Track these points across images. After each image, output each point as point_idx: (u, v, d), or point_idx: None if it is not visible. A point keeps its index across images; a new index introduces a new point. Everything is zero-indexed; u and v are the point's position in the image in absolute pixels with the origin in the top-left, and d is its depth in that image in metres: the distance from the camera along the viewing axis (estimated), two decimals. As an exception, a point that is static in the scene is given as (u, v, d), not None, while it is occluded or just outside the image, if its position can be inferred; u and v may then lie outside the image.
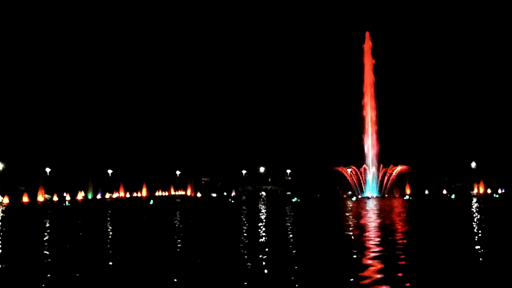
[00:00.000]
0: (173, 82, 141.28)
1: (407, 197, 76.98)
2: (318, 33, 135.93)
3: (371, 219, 29.97)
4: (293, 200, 67.48)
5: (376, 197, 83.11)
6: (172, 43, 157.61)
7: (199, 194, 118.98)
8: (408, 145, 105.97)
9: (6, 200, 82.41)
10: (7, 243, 19.65)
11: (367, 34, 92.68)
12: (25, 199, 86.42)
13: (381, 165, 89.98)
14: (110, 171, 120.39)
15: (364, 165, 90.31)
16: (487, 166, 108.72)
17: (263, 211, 42.00)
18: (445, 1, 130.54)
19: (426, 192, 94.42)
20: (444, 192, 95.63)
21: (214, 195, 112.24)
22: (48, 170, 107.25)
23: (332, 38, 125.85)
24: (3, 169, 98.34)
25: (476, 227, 23.54)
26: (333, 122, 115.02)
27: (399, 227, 24.61)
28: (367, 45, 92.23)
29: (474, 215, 32.68)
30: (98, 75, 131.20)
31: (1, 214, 42.72)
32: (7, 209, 55.49)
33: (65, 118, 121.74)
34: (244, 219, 32.15)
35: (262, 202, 63.45)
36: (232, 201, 69.37)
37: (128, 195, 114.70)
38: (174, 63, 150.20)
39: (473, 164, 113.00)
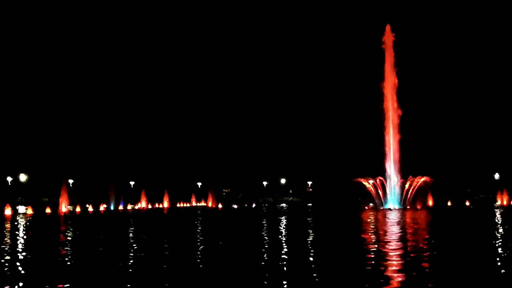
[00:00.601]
0: (196, 94, 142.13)
1: (433, 208, 76.06)
2: (337, 37, 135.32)
3: (393, 231, 29.69)
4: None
5: (398, 208, 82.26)
6: (193, 51, 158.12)
7: (220, 205, 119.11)
8: (430, 156, 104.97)
9: (29, 211, 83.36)
10: (30, 252, 19.88)
11: (388, 27, 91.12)
12: (48, 210, 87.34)
13: (403, 176, 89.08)
14: (132, 183, 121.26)
15: (386, 176, 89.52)
16: (510, 177, 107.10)
17: (284, 222, 41.87)
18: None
19: (449, 203, 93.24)
20: (467, 203, 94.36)
21: (235, 206, 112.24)
22: (70, 181, 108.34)
23: (352, 43, 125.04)
24: (27, 180, 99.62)
25: (500, 240, 23.18)
26: (354, 132, 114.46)
27: (422, 239, 24.35)
28: (388, 39, 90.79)
29: (498, 227, 32.18)
30: (120, 87, 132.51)
31: (25, 225, 43.24)
32: (31, 220, 56.11)
33: (88, 130, 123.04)
34: (264, 230, 32.09)
35: (282, 214, 63.25)
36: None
37: (149, 206, 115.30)
38: (197, 77, 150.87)
39: (497, 176, 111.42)
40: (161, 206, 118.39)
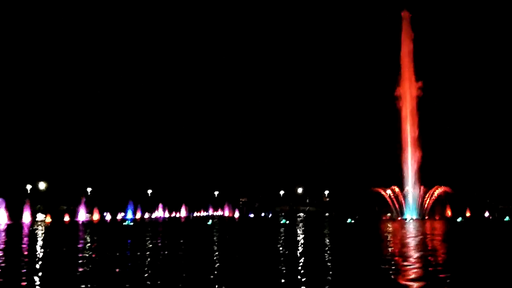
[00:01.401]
0: (214, 105, 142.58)
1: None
2: (355, 44, 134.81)
3: (411, 242, 29.45)
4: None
5: (416, 219, 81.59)
6: (206, 57, 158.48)
7: (236, 215, 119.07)
8: (449, 166, 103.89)
9: (48, 219, 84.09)
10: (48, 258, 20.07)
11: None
12: (67, 218, 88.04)
13: (422, 186, 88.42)
14: (149, 191, 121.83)
15: (403, 186, 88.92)
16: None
17: (301, 232, 41.73)
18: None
19: (468, 214, 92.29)
20: (487, 214, 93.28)
21: (251, 215, 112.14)
22: (89, 189, 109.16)
23: (369, 50, 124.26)
24: (46, 188, 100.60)
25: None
26: (372, 142, 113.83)
27: (440, 250, 24.12)
28: (406, 47, 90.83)
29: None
30: (140, 97, 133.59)
31: (43, 232, 43.62)
32: (49, 227, 56.60)
33: (107, 139, 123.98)
34: (281, 240, 32.01)
35: (300, 223, 63.03)
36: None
37: (167, 215, 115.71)
38: (216, 89, 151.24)
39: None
40: (178, 215, 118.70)
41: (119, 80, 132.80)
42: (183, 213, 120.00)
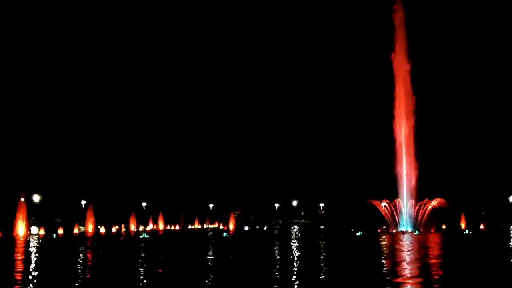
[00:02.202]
0: (210, 116, 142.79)
1: (465, 230, 75.21)
2: (347, 51, 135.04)
3: (406, 256, 29.42)
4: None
5: (411, 231, 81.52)
6: (204, 65, 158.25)
7: (231, 227, 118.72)
8: (444, 179, 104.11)
9: (42, 231, 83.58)
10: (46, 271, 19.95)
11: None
12: (60, 231, 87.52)
13: (417, 199, 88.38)
14: (144, 204, 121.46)
15: (399, 198, 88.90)
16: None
17: (296, 245, 41.63)
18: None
19: (463, 226, 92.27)
20: (482, 227, 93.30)
21: (246, 228, 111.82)
22: (83, 202, 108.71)
23: (363, 60, 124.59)
24: (40, 201, 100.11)
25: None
26: (367, 154, 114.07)
27: (435, 263, 24.10)
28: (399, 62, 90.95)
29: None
30: (132, 110, 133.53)
31: (36, 246, 43.36)
32: (43, 241, 56.25)
33: (102, 152, 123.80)
34: (277, 253, 31.92)
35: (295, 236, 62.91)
36: (276, 232, 68.31)
37: (160, 228, 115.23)
38: (211, 100, 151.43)
39: (511, 199, 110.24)
40: (172, 228, 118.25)
41: (111, 92, 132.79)
42: (179, 226, 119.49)
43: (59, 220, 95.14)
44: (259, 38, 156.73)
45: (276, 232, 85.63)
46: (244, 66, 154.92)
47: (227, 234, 67.72)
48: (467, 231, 75.57)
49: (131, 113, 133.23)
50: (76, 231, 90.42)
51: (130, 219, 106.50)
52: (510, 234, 65.45)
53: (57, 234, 75.59)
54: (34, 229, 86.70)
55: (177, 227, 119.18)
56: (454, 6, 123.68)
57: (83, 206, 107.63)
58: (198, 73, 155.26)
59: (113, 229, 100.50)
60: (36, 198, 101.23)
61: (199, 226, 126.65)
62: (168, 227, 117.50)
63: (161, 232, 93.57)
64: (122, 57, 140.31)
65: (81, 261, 27.28)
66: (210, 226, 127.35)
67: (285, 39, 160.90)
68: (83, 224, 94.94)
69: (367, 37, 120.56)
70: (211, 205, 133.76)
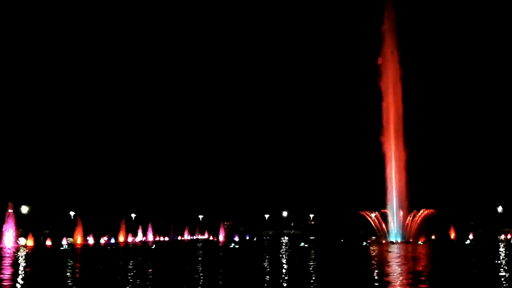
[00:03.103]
0: (199, 125, 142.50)
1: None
2: (335, 56, 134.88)
3: (395, 266, 29.50)
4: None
5: (401, 242, 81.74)
6: (191, 72, 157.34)
7: (221, 238, 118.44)
8: (433, 189, 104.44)
9: (30, 243, 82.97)
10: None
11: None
12: (49, 242, 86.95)
13: (406, 210, 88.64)
14: (133, 215, 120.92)
15: (388, 209, 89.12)
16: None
17: (286, 256, 41.61)
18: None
19: (452, 236, 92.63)
20: (471, 237, 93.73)
21: (236, 239, 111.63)
22: (72, 213, 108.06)
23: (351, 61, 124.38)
24: (28, 212, 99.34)
25: (501, 273, 23.03)
26: (356, 165, 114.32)
27: (423, 273, 24.19)
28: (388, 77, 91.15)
29: (500, 261, 31.97)
30: (123, 118, 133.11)
31: (24, 257, 43.01)
32: (31, 252, 55.81)
33: (91, 162, 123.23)
34: (266, 264, 31.90)
35: (285, 247, 62.85)
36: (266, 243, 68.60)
37: (147, 239, 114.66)
38: (198, 107, 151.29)
39: (500, 209, 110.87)
40: (161, 239, 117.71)
41: (100, 102, 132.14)
42: (167, 237, 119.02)
43: (47, 231, 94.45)
44: (244, 43, 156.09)
45: (265, 243, 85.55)
46: (233, 76, 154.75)
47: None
48: (469, 241, 75.77)
49: (121, 125, 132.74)
50: (64, 242, 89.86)
51: (120, 230, 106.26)
52: (498, 244, 65.85)
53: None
54: (22, 240, 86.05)
55: (166, 238, 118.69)
56: (442, 7, 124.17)
57: (72, 218, 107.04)
58: (182, 83, 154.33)
59: (102, 240, 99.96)
60: (24, 209, 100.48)
61: (189, 237, 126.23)
62: (158, 238, 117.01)
63: (143, 243, 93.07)
64: (108, 68, 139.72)
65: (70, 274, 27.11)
66: (200, 237, 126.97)
67: (268, 48, 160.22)
68: (71, 235, 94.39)
69: (354, 46, 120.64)
70: (200, 216, 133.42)
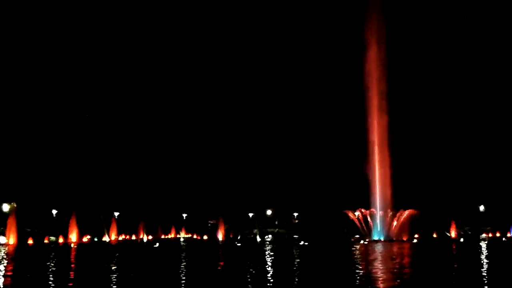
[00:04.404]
0: (181, 125, 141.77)
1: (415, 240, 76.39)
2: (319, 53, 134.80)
3: (377, 264, 29.60)
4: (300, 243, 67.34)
5: (384, 240, 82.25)
6: (171, 75, 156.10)
7: (205, 237, 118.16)
8: (417, 189, 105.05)
9: (12, 241, 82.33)
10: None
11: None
12: (30, 241, 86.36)
13: (390, 209, 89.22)
14: (116, 214, 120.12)
15: (372, 209, 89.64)
16: (496, 209, 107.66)
17: (270, 254, 41.60)
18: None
19: (435, 235, 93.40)
20: (453, 235, 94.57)
21: (220, 238, 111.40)
22: (54, 212, 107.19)
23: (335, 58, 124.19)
24: (10, 210, 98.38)
25: (482, 271, 23.19)
26: (341, 165, 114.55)
27: (404, 271, 24.28)
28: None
29: (481, 259, 32.23)
30: (105, 115, 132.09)
31: (3, 255, 42.55)
32: (13, 250, 55.21)
33: (73, 161, 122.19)
34: (250, 263, 31.83)
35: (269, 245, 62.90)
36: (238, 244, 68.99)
37: (133, 237, 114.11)
38: (179, 109, 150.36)
39: (482, 208, 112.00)
40: (142, 237, 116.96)
41: (81, 100, 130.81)
42: (149, 236, 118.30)
43: (29, 230, 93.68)
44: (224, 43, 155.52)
45: (250, 241, 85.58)
46: (216, 76, 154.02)
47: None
48: (462, 240, 76.41)
49: (104, 124, 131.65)
50: (46, 241, 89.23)
51: (109, 228, 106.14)
52: (479, 242, 66.55)
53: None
54: (1, 239, 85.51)
55: (150, 237, 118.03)
56: (428, 7, 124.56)
57: (54, 216, 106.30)
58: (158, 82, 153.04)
59: (85, 239, 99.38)
60: (5, 207, 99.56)
61: (173, 236, 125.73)
62: (146, 237, 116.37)
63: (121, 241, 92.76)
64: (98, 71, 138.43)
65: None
66: (184, 235, 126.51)
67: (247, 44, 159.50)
68: (53, 234, 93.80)
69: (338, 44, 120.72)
70: (184, 215, 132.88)
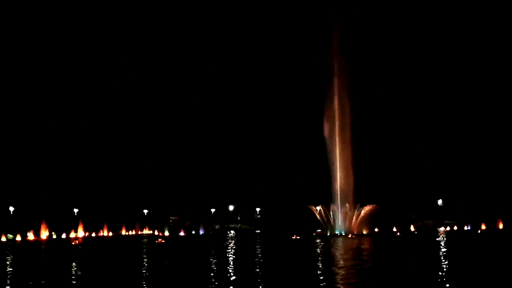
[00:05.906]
0: (144, 120, 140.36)
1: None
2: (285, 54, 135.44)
3: (338, 258, 29.81)
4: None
5: (345, 234, 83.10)
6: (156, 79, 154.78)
7: (167, 233, 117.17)
8: (377, 183, 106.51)
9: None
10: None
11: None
12: (18, 237, 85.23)
13: (351, 204, 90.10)
14: (76, 210, 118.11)
15: (333, 204, 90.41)
16: (453, 203, 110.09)
17: (233, 250, 41.50)
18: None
19: (394, 229, 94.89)
20: (412, 229, 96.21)
21: (182, 234, 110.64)
22: (12, 209, 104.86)
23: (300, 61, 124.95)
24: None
25: (440, 263, 23.56)
26: (304, 159, 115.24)
27: (364, 265, 24.49)
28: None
29: (439, 252, 32.82)
30: (80, 118, 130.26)
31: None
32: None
33: (34, 158, 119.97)
34: (213, 258, 31.67)
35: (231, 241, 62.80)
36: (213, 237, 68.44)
37: (92, 234, 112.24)
38: (147, 105, 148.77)
39: (440, 201, 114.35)
40: (102, 234, 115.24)
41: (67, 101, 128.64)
42: (106, 232, 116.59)
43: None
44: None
45: (211, 237, 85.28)
46: (179, 74, 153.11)
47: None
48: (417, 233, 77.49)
49: (69, 122, 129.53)
50: (3, 239, 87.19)
51: (79, 226, 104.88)
52: (437, 236, 67.89)
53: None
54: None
55: (105, 234, 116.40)
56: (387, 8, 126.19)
57: (11, 213, 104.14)
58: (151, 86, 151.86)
59: (43, 236, 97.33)
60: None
61: (134, 233, 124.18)
62: (102, 233, 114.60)
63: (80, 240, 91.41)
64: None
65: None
66: (145, 232, 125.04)
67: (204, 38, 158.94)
68: (11, 232, 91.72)
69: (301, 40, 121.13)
70: (145, 211, 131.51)
